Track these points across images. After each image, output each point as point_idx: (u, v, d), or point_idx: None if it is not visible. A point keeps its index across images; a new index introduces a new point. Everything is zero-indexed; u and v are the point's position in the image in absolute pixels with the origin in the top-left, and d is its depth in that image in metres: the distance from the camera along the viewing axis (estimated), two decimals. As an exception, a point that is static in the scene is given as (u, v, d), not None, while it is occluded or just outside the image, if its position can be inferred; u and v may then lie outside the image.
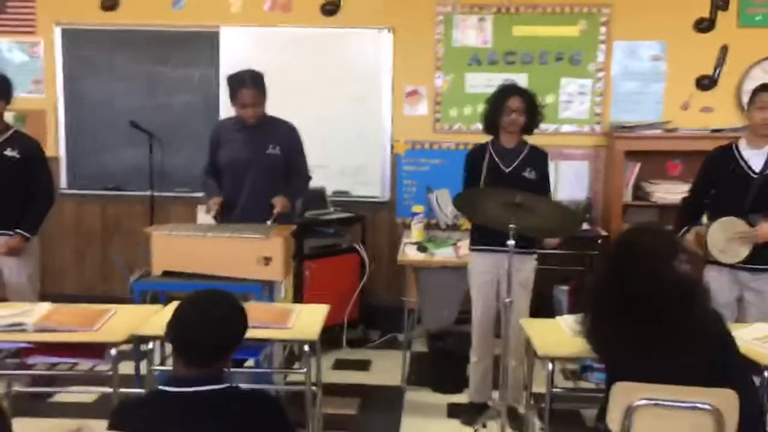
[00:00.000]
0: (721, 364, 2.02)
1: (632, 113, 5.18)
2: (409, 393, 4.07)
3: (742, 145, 3.48)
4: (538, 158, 3.63)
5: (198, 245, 3.35)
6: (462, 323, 4.07)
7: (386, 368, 4.39)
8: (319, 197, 4.87)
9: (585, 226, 4.98)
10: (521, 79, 5.22)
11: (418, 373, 4.31)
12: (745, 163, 3.43)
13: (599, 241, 4.86)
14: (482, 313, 3.65)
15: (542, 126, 5.16)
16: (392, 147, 5.36)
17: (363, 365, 4.52)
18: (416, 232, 4.57)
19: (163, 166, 5.31)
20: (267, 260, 3.25)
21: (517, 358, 3.49)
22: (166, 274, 3.41)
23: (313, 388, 2.89)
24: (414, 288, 4.33)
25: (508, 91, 3.57)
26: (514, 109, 3.50)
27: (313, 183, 4.91)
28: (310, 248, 4.61)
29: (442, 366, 4.12)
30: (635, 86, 5.22)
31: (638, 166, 5.06)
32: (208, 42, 5.29)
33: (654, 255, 2.13)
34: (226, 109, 4.77)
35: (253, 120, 3.61)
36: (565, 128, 5.27)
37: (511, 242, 3.17)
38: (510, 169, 3.57)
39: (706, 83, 5.12)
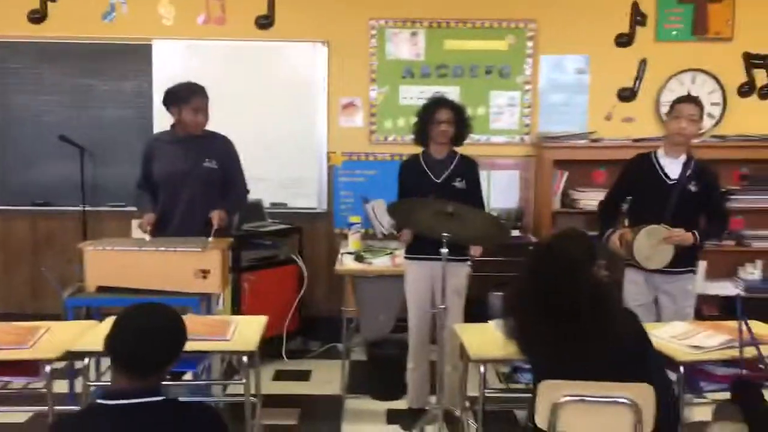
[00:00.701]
0: (638, 360, 2.15)
1: (559, 124, 5.39)
2: (348, 401, 4.12)
3: (660, 153, 3.68)
4: (468, 168, 3.76)
5: (133, 260, 3.34)
6: (400, 331, 4.14)
7: (326, 378, 4.44)
8: (256, 209, 4.89)
9: (516, 233, 5.15)
10: (453, 92, 5.37)
11: (358, 382, 4.36)
12: (662, 171, 3.63)
13: (530, 248, 5.01)
14: (418, 320, 3.74)
15: (474, 137, 5.37)
16: (329, 158, 5.43)
17: (303, 375, 4.55)
18: (353, 242, 4.64)
19: (96, 180, 5.23)
20: (204, 273, 3.26)
21: (452, 362, 3.59)
22: (101, 289, 3.38)
23: (253, 399, 2.90)
24: (353, 297, 4.39)
25: (437, 103, 3.69)
26: (443, 121, 3.61)
27: (251, 195, 4.95)
28: (248, 260, 4.62)
29: (380, 373, 4.19)
30: (561, 98, 5.44)
31: (566, 174, 5.26)
32: (141, 55, 5.24)
33: (572, 259, 2.25)
34: (160, 123, 4.77)
35: (200, 129, 3.63)
36: (496, 139, 5.44)
37: (444, 250, 3.28)
38: (441, 179, 3.68)
39: (627, 95, 5.38)
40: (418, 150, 3.86)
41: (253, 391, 2.91)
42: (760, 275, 5.14)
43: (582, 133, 5.28)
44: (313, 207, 5.44)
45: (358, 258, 4.28)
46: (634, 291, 3.70)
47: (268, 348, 4.73)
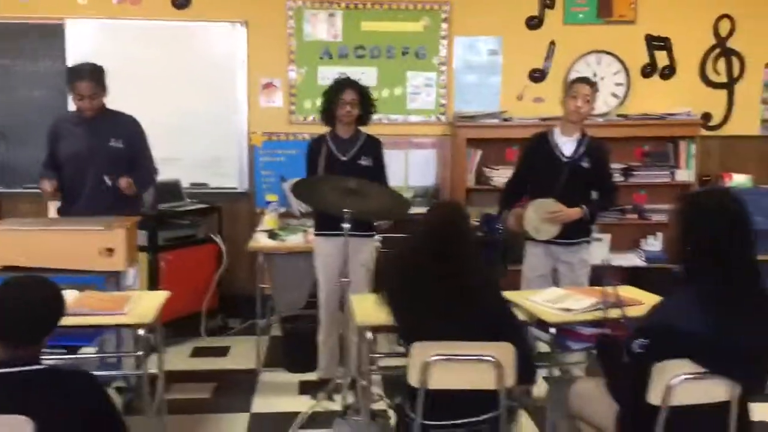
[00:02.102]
0: (500, 324, 2.34)
1: (473, 104, 5.57)
2: (264, 375, 4.24)
3: (556, 132, 3.88)
4: (373, 147, 3.89)
5: (38, 239, 3.37)
6: (314, 306, 4.27)
7: (244, 353, 4.54)
8: (173, 189, 4.93)
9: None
10: (371, 73, 5.50)
11: (274, 356, 4.49)
12: (558, 149, 3.83)
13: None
14: (327, 294, 3.87)
15: (391, 116, 5.55)
16: (249, 139, 5.49)
17: (221, 352, 4.65)
18: (269, 221, 4.73)
19: (10, 161, 5.18)
20: (109, 251, 3.32)
21: (358, 333, 3.73)
22: (7, 269, 3.39)
23: (153, 372, 2.99)
24: (268, 275, 4.50)
25: (342, 84, 3.80)
26: (349, 102, 3.73)
27: (168, 175, 4.99)
28: (165, 240, 4.67)
29: (294, 347, 4.32)
30: (475, 79, 5.61)
31: (479, 153, 5.45)
32: (54, 35, 5.19)
33: (468, 236, 2.42)
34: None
35: (90, 113, 3.65)
36: (413, 118, 5.59)
37: (346, 225, 3.41)
38: (347, 157, 3.81)
39: (537, 76, 5.58)
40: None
41: (156, 365, 2.98)
42: (660, 247, 5.44)
43: (494, 112, 5.47)
44: (234, 187, 5.51)
45: (272, 235, 4.38)
46: (534, 262, 3.91)
47: (187, 326, 4.82)
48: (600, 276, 4.76)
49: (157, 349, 3.22)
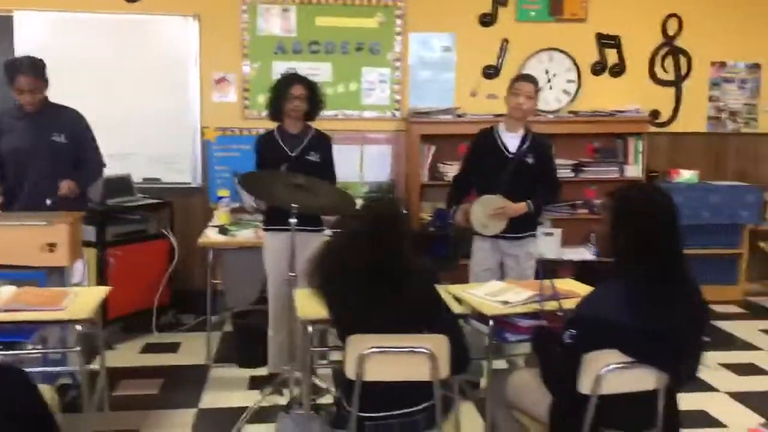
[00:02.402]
0: (433, 316, 2.38)
1: (428, 100, 5.61)
2: (214, 370, 4.22)
3: (501, 128, 3.94)
4: (322, 143, 3.89)
5: (-22, 235, 3.31)
6: (266, 301, 4.26)
7: (194, 349, 4.52)
8: (124, 184, 4.87)
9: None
10: (325, 68, 5.51)
11: (225, 352, 4.48)
12: (503, 144, 3.89)
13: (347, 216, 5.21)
14: (275, 288, 3.87)
15: (346, 112, 5.57)
16: (203, 133, 5.46)
17: (172, 348, 4.62)
18: (221, 216, 4.71)
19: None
20: (51, 247, 3.28)
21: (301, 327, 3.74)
22: (-53, 265, 3.33)
23: (95, 367, 2.97)
24: (221, 270, 4.50)
25: (290, 79, 3.81)
26: (297, 96, 3.73)
27: (120, 170, 4.95)
28: (114, 235, 4.62)
29: (245, 343, 4.31)
30: (429, 75, 5.66)
31: (433, 148, 5.49)
32: (2, 27, 5.09)
33: (403, 233, 2.45)
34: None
35: (31, 107, 3.60)
36: (368, 114, 5.61)
37: (293, 220, 3.42)
38: (295, 152, 3.81)
39: (491, 72, 5.65)
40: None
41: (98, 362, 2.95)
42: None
43: (448, 108, 5.51)
44: (188, 182, 5.48)
45: (223, 231, 4.37)
46: (481, 257, 3.97)
47: (138, 322, 4.79)
48: (547, 269, 4.87)
49: (98, 346, 3.18)
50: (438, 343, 2.30)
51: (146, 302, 4.78)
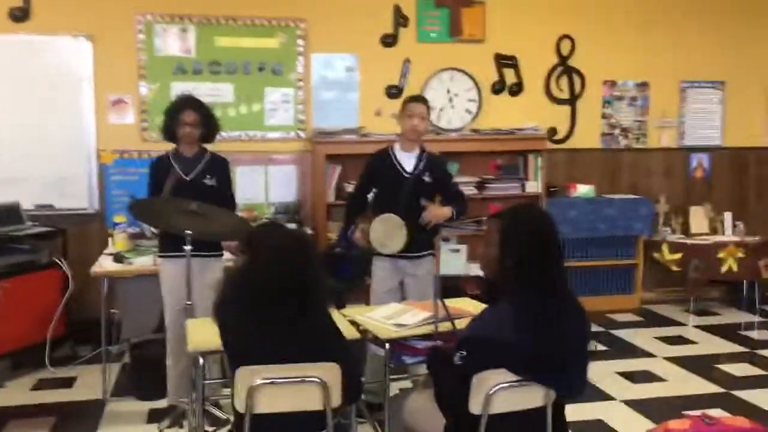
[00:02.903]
0: (327, 342, 2.36)
1: (333, 120, 5.61)
2: (111, 405, 4.05)
3: (397, 148, 3.97)
4: (218, 166, 3.82)
5: None
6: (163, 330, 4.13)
7: (91, 383, 4.31)
8: (12, 212, 4.63)
9: (291, 226, 5.29)
10: (226, 89, 5.44)
11: (123, 384, 4.30)
12: (399, 164, 3.91)
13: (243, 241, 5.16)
14: (173, 317, 3.75)
15: (250, 133, 5.50)
16: (99, 157, 5.27)
17: (67, 383, 4.40)
18: (118, 242, 4.54)
19: None
20: (-77, 283, 3.06)
21: (192, 359, 3.64)
22: None
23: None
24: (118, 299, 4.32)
25: (182, 103, 3.73)
26: (189, 123, 3.65)
27: (11, 196, 4.71)
28: (1, 267, 4.37)
29: (144, 374, 4.15)
30: (333, 95, 5.66)
31: (339, 168, 5.49)
32: None
33: (281, 252, 2.40)
34: None
35: None
36: (272, 135, 5.55)
37: (187, 247, 3.35)
38: (191, 176, 3.72)
39: (394, 92, 5.70)
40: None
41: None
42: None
43: (353, 128, 5.53)
44: (84, 207, 5.27)
45: (118, 258, 4.21)
46: (381, 276, 3.96)
47: (31, 356, 4.54)
48: (450, 286, 4.93)
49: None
50: (329, 372, 2.27)
51: (39, 335, 4.54)
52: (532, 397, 2.32)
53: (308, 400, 2.28)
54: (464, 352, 2.30)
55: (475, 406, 2.28)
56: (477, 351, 2.29)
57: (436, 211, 3.82)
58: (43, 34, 5.10)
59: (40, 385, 4.36)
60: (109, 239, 4.68)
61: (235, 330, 2.39)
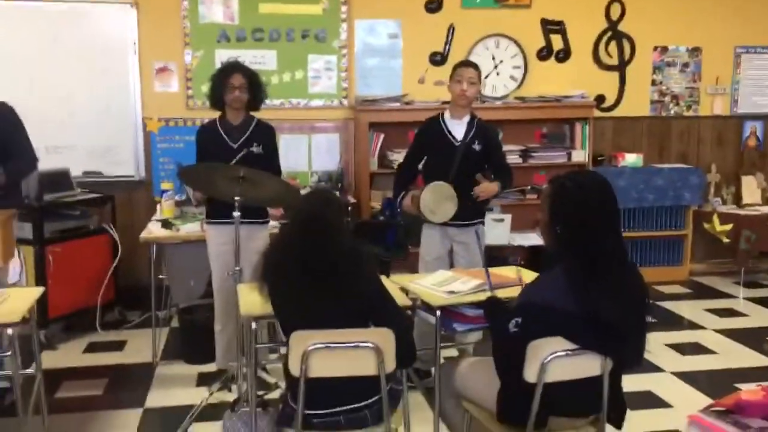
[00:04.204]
0: (376, 308, 2.35)
1: (375, 87, 5.56)
2: (161, 368, 4.12)
3: (447, 116, 3.90)
4: (265, 133, 3.81)
5: None
6: (212, 295, 4.18)
7: (141, 347, 4.40)
8: (62, 179, 4.70)
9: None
10: (270, 56, 5.41)
11: (172, 348, 4.38)
12: (449, 132, 3.86)
13: (349, 208, 5.18)
14: (220, 283, 3.78)
15: (293, 100, 5.48)
16: (145, 125, 5.30)
17: (117, 346, 4.50)
18: (165, 209, 4.59)
19: None
20: (-20, 247, 3.13)
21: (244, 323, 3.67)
22: None
23: (31, 371, 2.85)
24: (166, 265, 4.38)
25: (230, 68, 3.70)
26: (237, 86, 3.63)
27: (59, 164, 4.78)
28: (53, 232, 4.46)
29: (192, 338, 4.22)
30: (376, 62, 5.60)
31: (382, 136, 5.44)
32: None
33: (329, 223, 2.40)
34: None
35: None
36: (315, 102, 5.52)
37: (236, 213, 3.34)
38: (237, 144, 3.71)
39: (438, 59, 5.61)
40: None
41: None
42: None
43: (396, 96, 5.47)
44: (131, 175, 5.33)
45: (166, 225, 4.25)
46: (430, 245, 3.93)
47: (82, 320, 4.65)
48: (495, 256, 4.89)
49: (33, 348, 3.06)
50: (383, 337, 2.27)
51: (89, 300, 4.64)
52: (589, 366, 2.28)
53: (362, 366, 2.27)
54: (520, 319, 2.27)
55: (530, 375, 2.25)
56: (531, 318, 2.25)
57: (487, 187, 3.76)
58: (89, 2, 5.11)
59: (91, 348, 4.47)
60: (157, 206, 4.71)
61: (280, 295, 2.40)
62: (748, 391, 2.32)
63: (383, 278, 2.48)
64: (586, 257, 2.21)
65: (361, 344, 2.25)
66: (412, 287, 2.94)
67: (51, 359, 4.13)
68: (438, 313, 2.77)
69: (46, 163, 4.52)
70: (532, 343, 2.23)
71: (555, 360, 2.21)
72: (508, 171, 4.00)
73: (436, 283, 2.94)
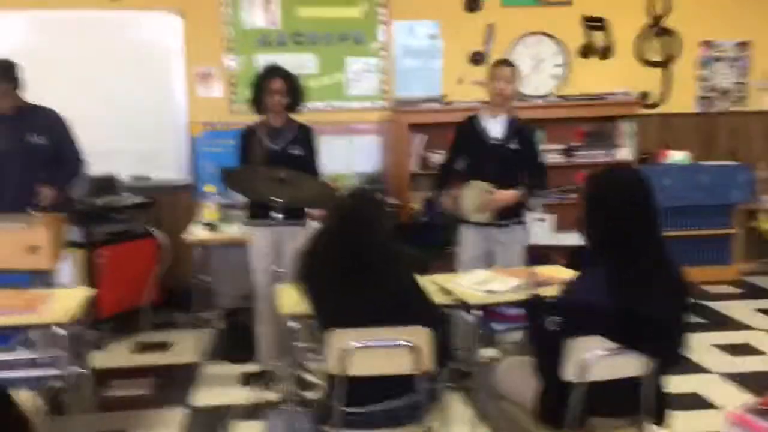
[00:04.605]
0: (414, 307, 2.35)
1: (415, 89, 5.57)
2: (206, 367, 4.20)
3: (484, 115, 3.89)
4: (306, 135, 3.86)
5: (-41, 239, 3.28)
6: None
7: (186, 347, 4.49)
8: (108, 183, 4.84)
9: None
10: (310, 59, 5.47)
11: (217, 349, 4.45)
12: (486, 131, 3.85)
13: (391, 209, 5.20)
14: (261, 284, 3.84)
15: (333, 103, 5.52)
16: (189, 129, 5.41)
17: (164, 347, 4.59)
18: (208, 212, 4.68)
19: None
20: (33, 249, 3.24)
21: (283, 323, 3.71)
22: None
23: (80, 370, 2.94)
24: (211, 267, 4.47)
25: (270, 72, 3.76)
26: (277, 90, 3.69)
27: (106, 168, 4.91)
28: (101, 235, 4.58)
29: (236, 339, 4.28)
30: (416, 63, 5.61)
31: (422, 137, 5.45)
32: (-20, 28, 5.04)
33: (368, 220, 2.42)
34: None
35: (3, 110, 3.55)
36: (354, 105, 5.56)
37: (277, 215, 3.39)
38: (278, 146, 3.77)
39: (477, 59, 5.59)
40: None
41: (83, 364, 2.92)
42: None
43: (435, 96, 5.47)
44: (175, 179, 5.44)
45: (210, 227, 4.33)
46: (469, 244, 3.93)
47: (130, 321, 4.76)
48: (538, 256, 4.84)
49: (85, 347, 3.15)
50: (420, 336, 2.27)
51: (137, 301, 4.76)
52: (629, 365, 2.25)
53: (399, 364, 2.29)
54: (558, 318, 2.25)
55: (570, 374, 2.23)
56: (570, 316, 2.23)
57: (500, 196, 3.73)
58: (135, 10, 5.25)
59: (138, 348, 4.57)
60: (201, 209, 4.80)
61: (317, 293, 2.42)
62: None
63: (420, 277, 2.47)
64: (625, 255, 2.18)
65: (398, 343, 2.26)
66: (450, 286, 2.94)
67: (99, 359, 4.24)
68: (477, 312, 2.76)
69: (95, 167, 4.66)
70: (572, 341, 2.21)
71: (596, 359, 2.18)
72: (543, 171, 3.97)
73: (476, 282, 2.94)
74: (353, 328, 2.28)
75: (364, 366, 2.29)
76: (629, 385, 2.27)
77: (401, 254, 2.42)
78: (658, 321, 2.19)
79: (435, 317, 2.39)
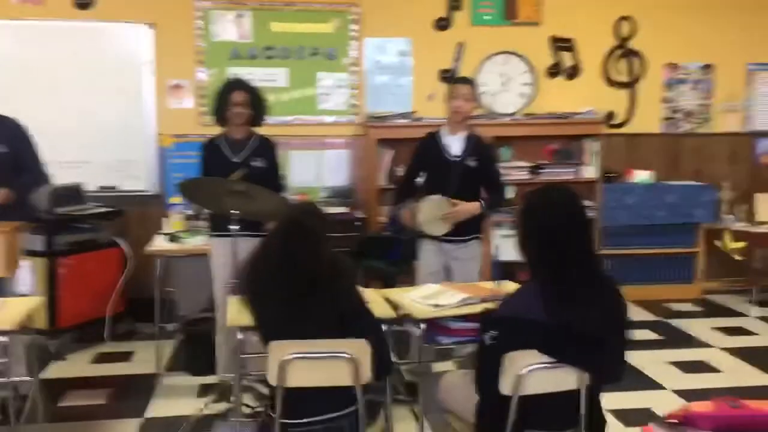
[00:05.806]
0: (354, 319, 2.38)
1: (386, 105, 5.62)
2: (165, 379, 4.19)
3: (443, 131, 3.94)
4: (267, 148, 3.89)
5: None
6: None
7: (147, 358, 4.47)
8: (74, 193, 4.82)
9: (344, 210, 5.36)
10: (281, 73, 5.52)
11: (177, 360, 4.45)
12: (445, 148, 3.90)
13: (357, 224, 5.24)
14: (222, 295, 3.85)
15: (303, 117, 5.56)
16: (159, 140, 5.43)
17: (124, 357, 4.58)
18: (174, 223, 4.69)
19: None
20: (-14, 257, 3.24)
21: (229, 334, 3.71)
22: None
23: (29, 378, 2.93)
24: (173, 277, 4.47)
25: (231, 85, 3.80)
26: (238, 103, 3.72)
27: (75, 178, 4.91)
28: (63, 244, 4.57)
29: (196, 350, 4.28)
30: (386, 79, 5.67)
31: (391, 152, 5.50)
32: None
33: (315, 234, 2.45)
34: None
35: None
36: (325, 119, 5.61)
37: (234, 227, 3.42)
38: (239, 158, 3.80)
39: (447, 76, 5.66)
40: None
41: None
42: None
43: (405, 112, 5.53)
44: (145, 189, 5.45)
45: (173, 238, 4.35)
46: (427, 259, 3.97)
47: (90, 331, 4.74)
48: (503, 272, 4.89)
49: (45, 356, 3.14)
50: (359, 348, 2.30)
51: (100, 311, 4.74)
52: (565, 379, 2.28)
53: (338, 376, 2.31)
54: (495, 332, 2.28)
55: (505, 387, 2.26)
56: (506, 331, 2.27)
57: (462, 208, 3.77)
58: (106, 21, 5.28)
59: (99, 359, 4.56)
60: (169, 219, 4.81)
61: (259, 304, 2.45)
62: (699, 403, 2.32)
63: (363, 289, 2.51)
64: (557, 271, 2.23)
65: (337, 354, 2.29)
66: (399, 300, 2.97)
67: (59, 369, 4.23)
68: (422, 326, 2.79)
69: (65, 177, 4.69)
70: (508, 355, 2.24)
71: (531, 373, 2.22)
72: (501, 188, 4.02)
73: (424, 296, 2.97)
74: (293, 340, 2.30)
75: (303, 377, 2.32)
76: (566, 399, 2.31)
77: (342, 265, 2.44)
78: (590, 336, 2.23)
79: (374, 329, 2.42)
